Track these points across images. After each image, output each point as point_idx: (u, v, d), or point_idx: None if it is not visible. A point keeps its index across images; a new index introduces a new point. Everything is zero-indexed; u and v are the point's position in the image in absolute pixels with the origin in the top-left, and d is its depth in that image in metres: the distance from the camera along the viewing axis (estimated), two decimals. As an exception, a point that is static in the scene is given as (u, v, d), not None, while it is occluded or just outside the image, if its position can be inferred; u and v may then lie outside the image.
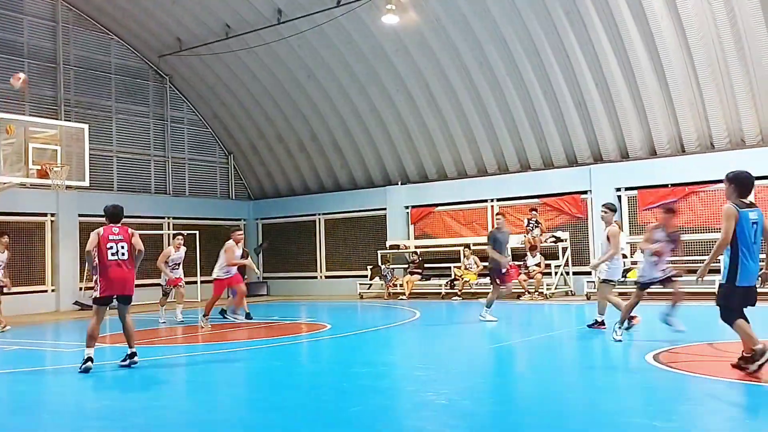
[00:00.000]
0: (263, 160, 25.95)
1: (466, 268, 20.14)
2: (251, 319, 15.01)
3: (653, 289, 10.15)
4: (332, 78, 22.02)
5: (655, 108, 18.04)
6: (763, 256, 7.25)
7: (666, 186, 18.38)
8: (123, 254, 8.87)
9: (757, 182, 10.29)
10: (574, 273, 19.57)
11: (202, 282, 22.08)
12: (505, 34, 18.60)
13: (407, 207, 22.97)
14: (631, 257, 17.44)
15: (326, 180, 25.06)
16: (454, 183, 21.93)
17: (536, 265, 19.01)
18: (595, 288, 17.88)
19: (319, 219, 25.08)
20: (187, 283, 17.02)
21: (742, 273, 6.94)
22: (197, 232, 22.74)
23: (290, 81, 22.80)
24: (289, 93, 23.23)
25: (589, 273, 18.65)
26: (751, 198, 7.33)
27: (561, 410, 6.31)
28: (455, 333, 13.14)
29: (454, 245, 21.28)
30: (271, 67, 22.61)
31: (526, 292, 18.63)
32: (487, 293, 19.50)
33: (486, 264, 20.45)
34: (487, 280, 19.91)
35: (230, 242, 13.68)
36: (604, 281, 11.03)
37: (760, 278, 7.13)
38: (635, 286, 10.24)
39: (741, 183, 7.18)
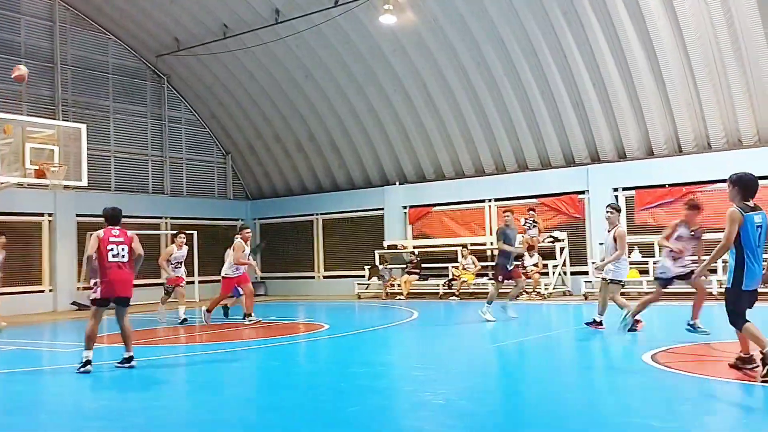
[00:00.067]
0: (261, 160, 25.95)
1: (463, 268, 20.15)
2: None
3: (641, 288, 10.14)
4: (330, 78, 22.02)
5: (652, 108, 18.07)
6: (766, 255, 7.22)
7: (663, 186, 18.42)
8: (123, 256, 8.90)
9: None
10: (572, 273, 19.60)
11: (200, 282, 22.09)
12: (502, 34, 18.62)
13: (405, 207, 22.98)
14: (628, 257, 17.42)
15: (324, 180, 25.06)
16: (452, 183, 21.95)
17: (534, 265, 19.04)
18: (595, 288, 17.97)
19: (317, 219, 25.08)
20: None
21: (748, 277, 6.86)
22: (195, 232, 22.70)
23: (288, 81, 22.80)
24: (287, 93, 23.23)
25: (587, 273, 18.74)
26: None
27: (559, 410, 6.32)
28: (453, 333, 13.16)
29: (452, 245, 21.30)
30: (269, 67, 22.61)
31: (524, 292, 18.62)
32: (485, 293, 19.58)
33: (484, 264, 20.61)
34: (485, 280, 20.07)
35: (239, 241, 13.72)
36: (612, 282, 11.02)
37: (762, 279, 7.08)
38: (656, 283, 10.00)
39: (745, 185, 7.05)
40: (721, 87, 16.98)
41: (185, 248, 15.28)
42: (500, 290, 13.72)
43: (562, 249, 19.45)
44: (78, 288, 20.57)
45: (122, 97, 23.47)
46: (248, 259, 14.02)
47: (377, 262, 22.14)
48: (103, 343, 11.04)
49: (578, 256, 19.62)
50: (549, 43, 18.26)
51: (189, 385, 8.48)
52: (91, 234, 9.21)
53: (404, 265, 21.71)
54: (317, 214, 25.04)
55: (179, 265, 15.08)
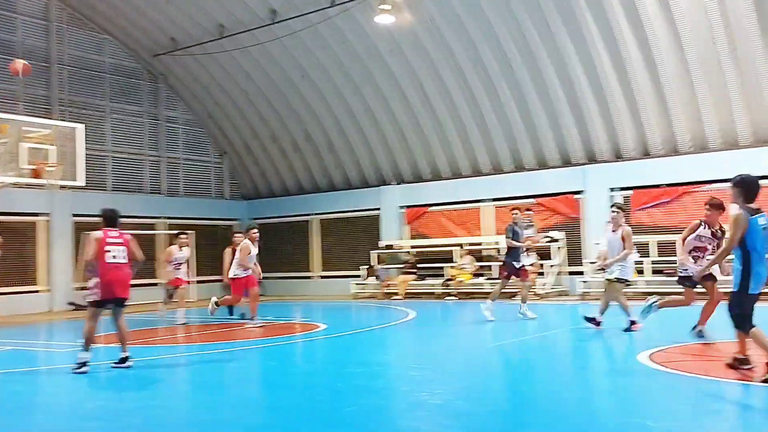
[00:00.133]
0: (257, 160, 25.94)
1: (460, 268, 20.16)
2: (245, 319, 14.90)
3: (638, 288, 10.11)
4: (326, 78, 22.02)
5: (649, 108, 18.10)
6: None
7: (659, 186, 18.45)
8: (123, 258, 8.92)
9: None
10: (569, 273, 19.62)
11: (197, 282, 22.06)
12: (499, 34, 18.63)
13: (402, 207, 22.98)
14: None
15: (320, 180, 25.05)
16: (449, 183, 21.95)
17: (530, 265, 19.02)
18: (591, 288, 18.01)
19: (314, 219, 25.08)
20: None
21: (755, 280, 6.81)
22: (191, 231, 22.65)
23: (284, 81, 22.79)
24: (284, 93, 23.23)
25: (583, 273, 18.77)
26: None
27: (555, 410, 6.33)
28: (450, 333, 13.17)
29: (449, 245, 21.30)
30: (266, 67, 22.60)
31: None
32: (481, 293, 19.59)
33: (480, 264, 20.62)
34: (482, 279, 20.10)
35: (246, 242, 13.48)
36: (618, 280, 11.01)
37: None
38: (684, 287, 9.47)
39: (747, 187, 7.00)
40: (717, 87, 17.01)
41: (187, 249, 14.95)
42: (496, 291, 13.71)
43: (559, 249, 19.46)
44: (74, 288, 20.52)
45: (119, 96, 23.44)
46: (253, 264, 13.55)
47: (374, 262, 22.14)
48: (99, 343, 11.03)
49: (575, 256, 19.65)
50: (545, 43, 18.28)
51: (186, 385, 8.48)
52: (89, 235, 9.18)
53: (401, 265, 21.71)
54: (314, 214, 25.04)
55: (180, 267, 14.74)
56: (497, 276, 20.09)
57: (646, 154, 18.77)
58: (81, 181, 17.65)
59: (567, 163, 20.00)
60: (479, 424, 5.91)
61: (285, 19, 20.10)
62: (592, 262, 18.59)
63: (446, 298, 19.82)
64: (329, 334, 12.61)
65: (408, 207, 22.83)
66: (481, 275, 20.52)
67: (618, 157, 19.21)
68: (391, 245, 22.34)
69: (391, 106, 21.68)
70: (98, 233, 8.93)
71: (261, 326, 13.34)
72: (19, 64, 16.39)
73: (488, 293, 18.04)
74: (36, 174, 16.27)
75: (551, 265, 19.20)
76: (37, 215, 20.75)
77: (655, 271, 17.57)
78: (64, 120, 20.50)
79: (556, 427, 5.74)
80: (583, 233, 19.57)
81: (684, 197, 18.14)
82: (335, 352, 10.78)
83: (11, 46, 20.81)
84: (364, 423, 6.06)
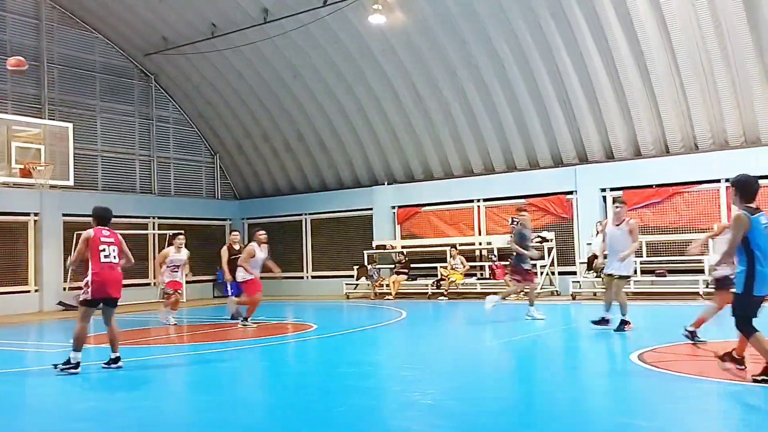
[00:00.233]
0: (249, 160, 25.88)
1: (452, 268, 20.16)
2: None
3: (627, 288, 10.00)
4: (318, 78, 21.99)
5: (640, 109, 18.15)
6: None
7: (651, 186, 18.50)
8: (115, 257, 8.87)
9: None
10: (560, 273, 19.66)
11: (187, 282, 21.94)
12: (491, 34, 18.65)
13: (394, 207, 22.98)
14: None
15: (313, 180, 25.02)
16: (441, 183, 21.96)
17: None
18: (582, 288, 18.04)
19: (306, 219, 25.04)
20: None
21: (759, 281, 6.72)
22: (183, 231, 22.59)
23: (276, 80, 22.75)
24: (276, 93, 23.18)
25: (575, 273, 18.82)
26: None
27: (546, 410, 6.34)
28: (441, 333, 13.18)
29: (441, 245, 21.31)
30: (257, 66, 22.56)
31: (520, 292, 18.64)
32: (473, 293, 19.64)
33: (472, 264, 20.64)
34: (473, 280, 20.13)
35: (252, 244, 13.34)
36: (621, 277, 10.99)
37: None
38: (713, 289, 9.14)
39: (744, 187, 6.95)
40: (708, 87, 17.08)
41: (184, 251, 14.51)
42: (494, 290, 13.69)
43: (550, 249, 19.49)
44: (64, 288, 20.43)
45: (109, 96, 23.34)
46: (257, 268, 13.29)
47: (366, 262, 22.13)
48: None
49: (566, 256, 19.68)
50: (537, 43, 18.31)
51: (177, 385, 8.44)
52: (80, 234, 9.12)
53: (393, 265, 21.72)
54: (306, 214, 25.00)
55: (176, 269, 14.38)
56: (488, 276, 20.20)
57: (638, 155, 18.82)
58: (71, 181, 17.57)
59: (558, 163, 20.04)
60: (470, 424, 5.90)
61: (277, 18, 20.07)
62: (582, 262, 18.67)
63: (438, 298, 19.83)
64: (321, 334, 12.60)
65: (400, 207, 22.82)
66: (473, 275, 20.55)
67: (609, 157, 19.26)
68: (384, 245, 22.33)
69: (383, 106, 21.67)
70: (91, 232, 8.88)
71: (252, 329, 13.22)
72: (14, 60, 16.28)
73: (480, 293, 18.13)
74: (25, 173, 16.19)
75: (542, 266, 19.21)
76: (26, 215, 20.63)
77: (645, 272, 17.63)
78: (54, 119, 20.42)
79: (547, 427, 5.74)
80: (574, 233, 19.60)
81: (675, 197, 18.21)
82: (327, 352, 10.77)
83: (1, 45, 20.69)
84: (355, 423, 6.04)
